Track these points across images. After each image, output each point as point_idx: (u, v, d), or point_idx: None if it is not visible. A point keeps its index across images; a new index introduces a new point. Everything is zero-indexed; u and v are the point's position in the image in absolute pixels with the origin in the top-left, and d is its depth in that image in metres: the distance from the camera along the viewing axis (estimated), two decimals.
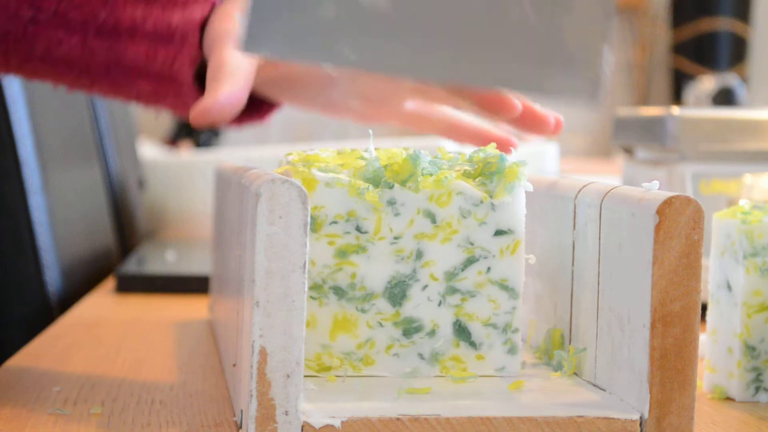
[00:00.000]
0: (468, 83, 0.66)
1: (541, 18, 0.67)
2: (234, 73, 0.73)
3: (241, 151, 1.88)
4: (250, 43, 0.64)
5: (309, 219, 0.57)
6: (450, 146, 1.11)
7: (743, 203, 0.74)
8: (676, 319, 0.59)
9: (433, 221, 0.65)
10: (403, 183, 0.65)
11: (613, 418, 0.59)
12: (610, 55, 0.69)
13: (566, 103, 0.68)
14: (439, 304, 0.66)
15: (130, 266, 1.25)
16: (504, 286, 0.66)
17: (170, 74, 0.81)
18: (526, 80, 0.66)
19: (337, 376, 0.65)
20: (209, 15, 0.79)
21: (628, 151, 1.13)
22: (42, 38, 0.81)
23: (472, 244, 0.66)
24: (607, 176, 1.43)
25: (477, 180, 0.66)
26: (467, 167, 0.67)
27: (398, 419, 0.58)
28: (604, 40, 0.68)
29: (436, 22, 0.66)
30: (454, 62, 0.66)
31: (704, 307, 0.75)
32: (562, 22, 0.68)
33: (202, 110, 0.71)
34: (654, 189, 0.61)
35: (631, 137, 1.10)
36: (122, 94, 0.84)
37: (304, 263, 0.57)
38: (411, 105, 0.81)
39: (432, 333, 0.66)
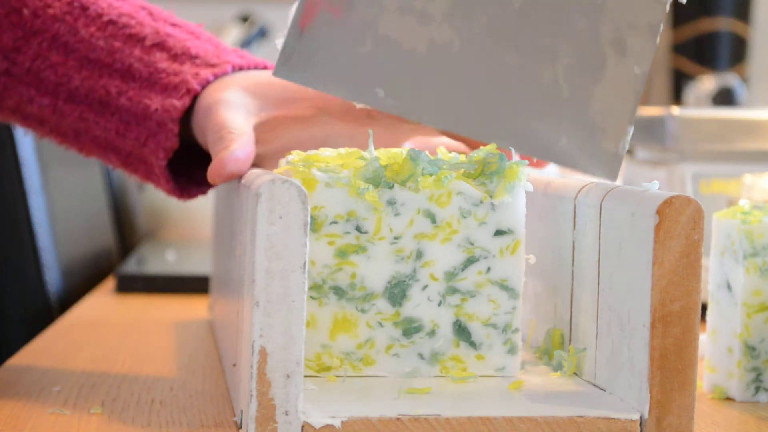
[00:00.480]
0: (487, 141, 0.67)
1: (571, 85, 0.67)
2: (240, 133, 0.72)
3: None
4: (283, 69, 0.64)
5: (309, 219, 0.57)
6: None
7: (743, 203, 0.74)
8: (676, 319, 0.59)
9: (433, 221, 0.65)
10: (403, 183, 0.65)
11: (613, 418, 0.59)
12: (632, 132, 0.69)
13: (582, 173, 0.69)
14: (439, 304, 0.66)
15: (130, 266, 1.25)
16: (504, 286, 0.66)
17: (140, 155, 0.79)
18: (546, 146, 0.66)
19: (337, 376, 0.65)
20: (192, 105, 0.77)
21: (629, 151, 1.12)
22: (14, 92, 0.79)
23: (472, 244, 0.66)
24: None
25: (477, 180, 0.66)
26: (467, 167, 0.67)
27: (398, 419, 0.58)
28: (629, 118, 0.68)
29: (469, 75, 0.67)
30: (479, 117, 0.67)
31: (704, 307, 0.75)
32: (590, 92, 0.68)
33: (218, 166, 0.69)
34: (654, 189, 0.61)
35: (631, 137, 1.09)
36: (95, 157, 0.83)
37: (304, 263, 0.57)
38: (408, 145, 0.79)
39: (432, 333, 0.66)
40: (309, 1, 0.64)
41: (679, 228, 0.59)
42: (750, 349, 0.70)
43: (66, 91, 0.78)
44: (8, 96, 0.80)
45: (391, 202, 0.65)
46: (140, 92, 0.77)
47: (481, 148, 0.67)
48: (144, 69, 0.78)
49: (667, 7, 0.68)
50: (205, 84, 0.77)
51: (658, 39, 0.68)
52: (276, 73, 0.65)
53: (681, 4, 3.93)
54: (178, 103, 0.76)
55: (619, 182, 0.69)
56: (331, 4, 0.64)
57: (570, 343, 0.69)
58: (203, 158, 0.78)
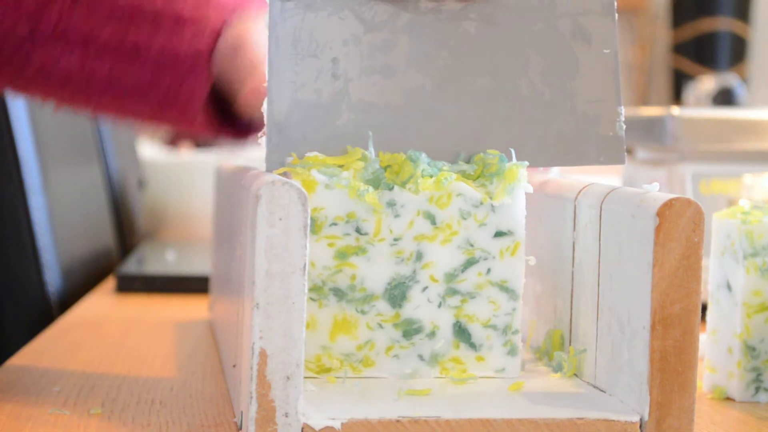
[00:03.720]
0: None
1: (550, 86, 0.69)
2: None
3: (241, 151, 1.88)
4: (272, 163, 0.66)
5: (309, 221, 0.57)
6: None
7: (743, 203, 0.74)
8: (676, 321, 0.59)
9: (433, 223, 0.65)
10: (402, 184, 0.65)
11: (613, 420, 0.59)
12: (625, 110, 0.70)
13: (590, 165, 0.69)
14: (439, 305, 0.66)
15: (130, 266, 1.25)
16: (504, 288, 0.66)
17: (175, 97, 0.80)
18: (546, 152, 0.67)
19: (337, 378, 0.65)
20: (215, 44, 0.79)
21: (628, 151, 1.13)
22: (38, 54, 0.80)
23: (472, 245, 0.66)
24: (607, 176, 1.43)
25: (477, 181, 0.66)
26: (467, 168, 0.67)
27: (398, 421, 0.58)
28: (617, 98, 0.70)
29: (449, 110, 0.68)
30: (471, 144, 0.68)
31: (704, 307, 0.75)
32: (571, 87, 0.69)
33: (253, 96, 0.70)
34: (654, 191, 0.61)
35: (631, 137, 1.09)
36: (117, 114, 0.83)
37: (304, 265, 0.57)
38: None
39: (432, 334, 0.66)
40: (277, 93, 0.66)
41: (679, 230, 0.59)
42: (750, 349, 0.70)
43: (95, 46, 0.79)
44: (31, 61, 0.80)
45: (391, 204, 0.65)
46: (170, 36, 0.79)
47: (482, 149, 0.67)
48: (170, 13, 0.79)
49: None
50: (230, 22, 0.79)
51: (616, 15, 0.69)
52: (269, 168, 0.66)
53: (681, 4, 3.92)
54: (207, 42, 0.78)
55: (619, 183, 0.69)
56: (297, 90, 0.66)
57: (570, 345, 0.69)
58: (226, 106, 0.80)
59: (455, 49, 0.68)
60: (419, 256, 0.65)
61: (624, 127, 0.70)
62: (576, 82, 0.69)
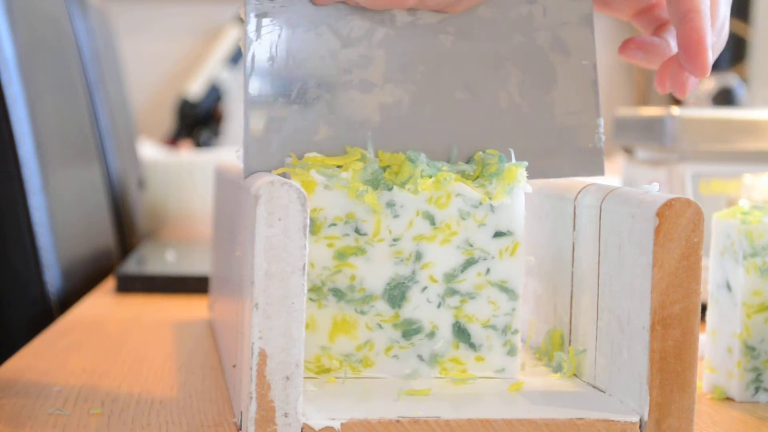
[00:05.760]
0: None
1: (529, 99, 0.69)
2: None
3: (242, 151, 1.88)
4: (249, 130, 0.66)
5: (308, 221, 0.57)
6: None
7: (743, 203, 0.74)
8: (675, 322, 0.59)
9: (433, 223, 0.65)
10: (402, 185, 0.65)
11: (613, 421, 0.59)
12: (604, 121, 0.70)
13: (570, 177, 0.69)
14: (439, 305, 0.66)
15: (130, 266, 1.25)
16: (503, 288, 0.66)
17: None
18: (533, 168, 0.67)
19: (336, 378, 0.65)
20: None
21: (628, 151, 1.13)
22: None
23: (471, 245, 0.66)
24: (607, 176, 1.43)
25: (476, 181, 0.66)
26: (466, 169, 0.67)
27: (398, 421, 0.58)
28: (596, 110, 0.70)
29: (428, 124, 0.68)
30: (450, 159, 0.68)
31: (704, 307, 0.75)
32: (549, 99, 0.69)
33: None
34: (654, 191, 0.61)
35: (631, 137, 1.09)
36: None
37: (304, 265, 0.57)
38: None
39: (431, 334, 0.66)
40: (254, 109, 0.66)
41: (679, 230, 0.59)
42: (750, 349, 0.70)
43: None
44: None
45: (390, 204, 0.65)
46: None
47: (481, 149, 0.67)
48: None
49: None
50: None
51: (593, 26, 0.69)
52: (244, 146, 0.66)
53: None
54: None
55: (618, 183, 0.69)
56: (275, 106, 0.66)
57: (570, 345, 0.69)
58: None
59: (433, 63, 0.68)
60: (418, 256, 0.65)
61: (603, 138, 0.70)
62: (554, 94, 0.69)
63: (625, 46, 0.71)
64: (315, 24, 0.67)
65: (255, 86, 0.66)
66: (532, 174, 0.68)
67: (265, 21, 0.66)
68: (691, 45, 0.65)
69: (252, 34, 0.66)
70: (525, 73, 0.69)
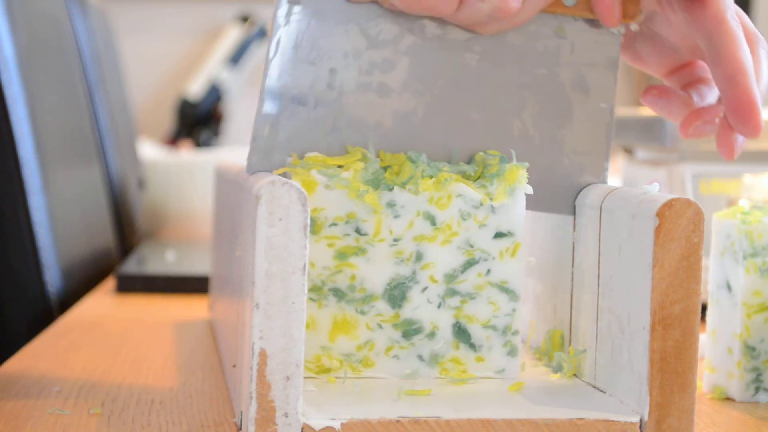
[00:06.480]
0: None
1: (541, 132, 0.69)
2: None
3: (241, 151, 1.88)
4: (254, 162, 0.66)
5: (309, 221, 0.57)
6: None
7: (743, 203, 0.74)
8: (675, 322, 0.59)
9: (433, 223, 0.65)
10: (402, 185, 0.65)
11: (613, 421, 0.59)
12: (611, 166, 0.70)
13: (569, 214, 0.69)
14: (439, 306, 0.66)
15: (130, 266, 1.25)
16: (504, 288, 0.66)
17: None
18: (527, 197, 0.67)
19: (336, 378, 0.65)
20: None
21: (628, 151, 1.13)
22: None
23: (471, 246, 0.66)
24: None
25: (477, 182, 0.66)
26: (467, 169, 0.67)
27: (398, 421, 0.58)
28: (606, 153, 0.70)
29: (437, 139, 0.68)
30: None
31: (704, 308, 0.75)
32: (562, 135, 0.69)
33: None
34: (654, 191, 0.61)
35: (631, 137, 1.09)
36: None
37: (304, 265, 0.57)
38: None
39: (432, 335, 0.66)
40: (270, 93, 0.66)
41: (679, 230, 0.59)
42: (750, 350, 0.70)
43: None
44: None
45: (390, 204, 0.65)
46: None
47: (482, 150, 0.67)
48: None
49: (621, 38, 0.69)
50: None
51: (618, 71, 0.69)
52: (249, 169, 0.66)
53: None
54: None
55: (618, 183, 0.69)
56: (291, 93, 0.66)
57: (570, 345, 0.69)
58: None
59: (453, 79, 0.68)
60: (419, 256, 0.65)
61: (607, 183, 0.70)
62: (567, 131, 0.69)
63: (648, 92, 0.71)
64: (345, 20, 0.66)
65: (275, 71, 0.66)
66: (530, 206, 0.68)
67: (296, 8, 0.66)
68: (742, 108, 0.65)
69: (281, 19, 0.65)
70: (542, 105, 0.69)
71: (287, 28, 0.66)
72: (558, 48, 0.69)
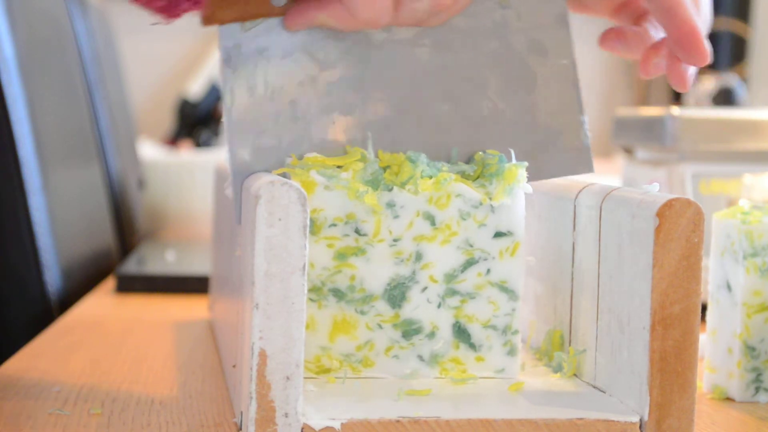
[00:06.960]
0: None
1: (511, 104, 0.69)
2: None
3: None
4: (235, 163, 0.66)
5: (308, 221, 0.57)
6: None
7: (743, 203, 0.74)
8: (675, 322, 0.59)
9: (433, 223, 0.65)
10: (402, 185, 0.65)
11: (613, 421, 0.59)
12: (588, 119, 0.70)
13: (559, 177, 0.69)
14: (439, 305, 0.66)
15: (130, 266, 1.25)
16: (504, 288, 0.66)
17: None
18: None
19: (336, 378, 0.65)
20: None
21: (628, 151, 1.13)
22: None
23: (471, 246, 0.66)
24: (607, 176, 1.43)
25: (476, 182, 0.66)
26: (466, 169, 0.67)
27: (398, 421, 0.58)
28: (579, 108, 0.70)
29: (410, 138, 0.68)
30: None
31: (704, 307, 0.75)
32: (531, 102, 0.69)
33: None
34: (654, 191, 0.61)
35: (631, 137, 1.09)
36: None
37: (304, 265, 0.57)
38: None
39: (431, 335, 0.66)
40: (238, 142, 0.65)
41: (679, 230, 0.59)
42: (750, 350, 0.70)
43: None
44: None
45: (390, 205, 0.65)
46: None
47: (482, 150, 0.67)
48: None
49: None
50: None
51: (570, 26, 0.69)
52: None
53: None
54: None
55: (618, 183, 0.69)
56: (258, 136, 0.66)
57: (570, 345, 0.69)
58: None
59: (411, 76, 0.68)
60: (419, 256, 0.65)
61: (589, 135, 0.70)
62: (535, 96, 0.69)
63: (605, 36, 0.71)
64: (289, 51, 0.66)
65: (236, 119, 0.65)
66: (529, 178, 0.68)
67: (237, 52, 0.65)
68: (684, 37, 0.65)
69: (226, 68, 0.65)
70: (504, 78, 0.69)
71: (235, 75, 0.65)
72: (505, 19, 0.69)
